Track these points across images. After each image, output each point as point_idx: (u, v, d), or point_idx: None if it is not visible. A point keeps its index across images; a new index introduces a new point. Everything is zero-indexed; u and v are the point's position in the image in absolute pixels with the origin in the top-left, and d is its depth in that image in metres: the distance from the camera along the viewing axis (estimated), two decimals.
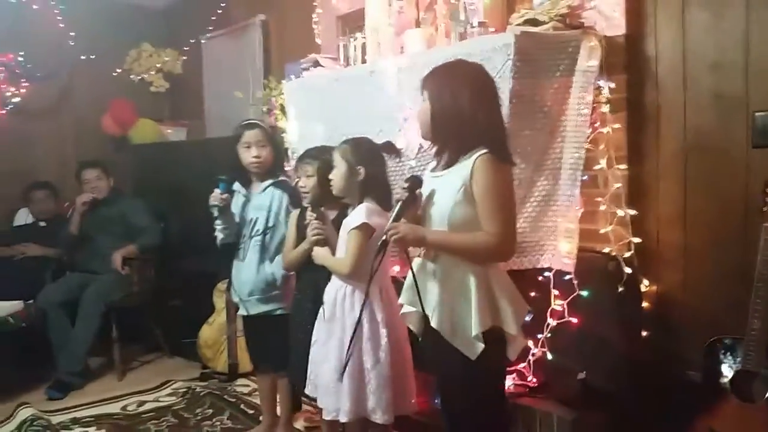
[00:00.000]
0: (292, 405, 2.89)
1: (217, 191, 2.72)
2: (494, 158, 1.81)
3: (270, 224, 2.75)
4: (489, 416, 1.92)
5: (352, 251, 2.28)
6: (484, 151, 1.81)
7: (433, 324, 1.87)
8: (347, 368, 2.26)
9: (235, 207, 2.83)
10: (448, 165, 1.90)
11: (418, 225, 1.96)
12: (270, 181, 2.79)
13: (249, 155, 2.75)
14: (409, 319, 2.09)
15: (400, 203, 1.95)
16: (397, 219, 1.93)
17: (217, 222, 2.76)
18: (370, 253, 2.26)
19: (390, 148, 2.22)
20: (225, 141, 3.15)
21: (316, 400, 2.44)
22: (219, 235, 2.79)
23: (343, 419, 2.29)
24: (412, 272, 1.96)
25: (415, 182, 2.00)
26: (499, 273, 1.91)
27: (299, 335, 2.54)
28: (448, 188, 1.86)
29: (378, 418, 2.29)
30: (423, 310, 1.95)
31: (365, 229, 2.27)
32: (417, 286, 1.92)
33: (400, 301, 2.01)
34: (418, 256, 1.96)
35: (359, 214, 2.29)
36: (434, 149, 2.00)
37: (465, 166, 1.82)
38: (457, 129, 1.86)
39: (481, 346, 1.81)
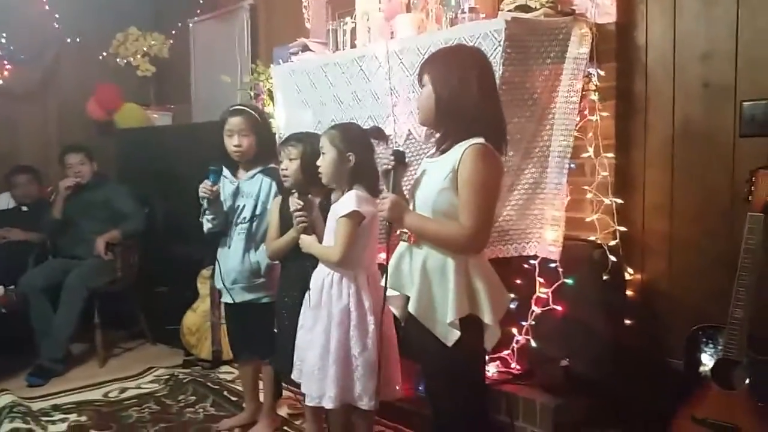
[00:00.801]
0: (275, 392, 2.87)
1: (207, 182, 2.66)
2: (486, 149, 1.78)
3: (257, 212, 2.71)
4: (467, 403, 1.91)
5: (342, 239, 2.25)
6: (479, 140, 1.79)
7: (411, 309, 1.85)
8: (334, 355, 2.25)
9: (223, 194, 2.78)
10: (444, 151, 1.87)
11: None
12: (258, 168, 2.74)
13: (231, 143, 2.70)
14: (393, 303, 2.06)
15: (392, 173, 1.92)
16: (394, 190, 1.91)
17: (207, 213, 2.70)
18: (360, 241, 2.28)
19: (378, 133, 2.19)
20: (211, 126, 3.12)
21: (300, 386, 2.42)
22: (206, 225, 2.73)
23: (328, 405, 2.27)
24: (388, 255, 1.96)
25: (399, 155, 1.99)
26: (480, 261, 1.88)
27: (285, 322, 2.52)
28: (438, 174, 1.84)
29: (364, 404, 2.28)
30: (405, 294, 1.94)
31: (355, 217, 2.24)
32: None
33: (387, 284, 1.97)
34: (403, 240, 1.94)
35: (349, 201, 2.26)
36: (435, 135, 1.95)
37: (456, 153, 1.80)
38: (461, 115, 1.82)
39: (456, 333, 1.80)
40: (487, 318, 1.83)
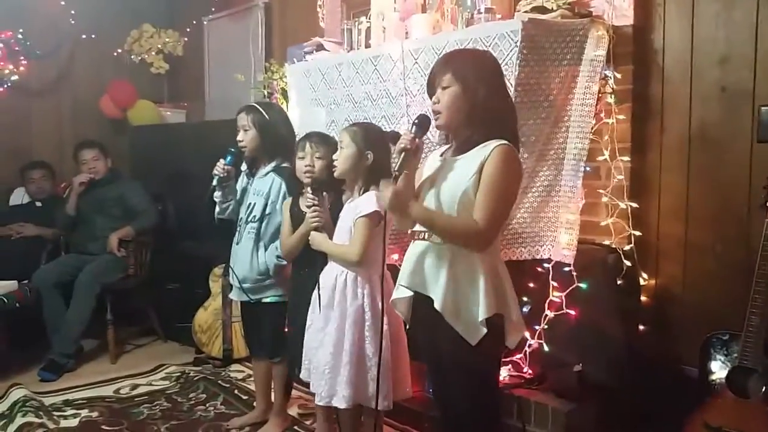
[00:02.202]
0: (286, 391, 2.87)
1: (222, 161, 2.72)
2: (513, 151, 1.80)
3: (267, 212, 2.71)
4: (483, 404, 1.91)
5: (361, 239, 2.26)
6: (504, 141, 1.80)
7: (438, 306, 1.83)
8: (348, 355, 2.25)
9: (239, 187, 2.84)
10: (465, 150, 1.86)
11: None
12: (272, 166, 2.75)
13: (237, 138, 2.75)
14: (398, 305, 2.05)
15: (403, 153, 1.86)
16: (399, 170, 1.87)
17: (216, 193, 2.76)
18: (375, 241, 2.27)
19: (395, 137, 2.15)
20: (224, 124, 3.13)
21: (308, 385, 2.42)
22: (216, 209, 2.79)
23: (341, 405, 2.27)
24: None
25: (426, 121, 1.92)
26: (501, 260, 1.89)
27: (297, 321, 2.52)
28: (464, 173, 1.82)
29: (378, 404, 2.27)
30: (422, 294, 1.91)
31: (375, 218, 2.25)
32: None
33: (403, 284, 1.96)
34: (419, 238, 1.92)
35: (370, 201, 2.26)
36: (456, 134, 1.92)
37: (482, 153, 1.80)
38: (492, 117, 1.83)
39: (482, 331, 1.79)
40: (514, 315, 1.86)
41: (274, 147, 2.74)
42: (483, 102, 1.81)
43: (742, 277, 2.20)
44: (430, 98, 1.93)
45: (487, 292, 1.79)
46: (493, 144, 1.79)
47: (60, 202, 4.21)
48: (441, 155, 1.99)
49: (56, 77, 5.10)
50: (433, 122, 1.93)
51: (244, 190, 2.82)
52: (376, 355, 2.26)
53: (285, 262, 2.65)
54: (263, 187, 2.73)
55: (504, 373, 2.61)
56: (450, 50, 2.04)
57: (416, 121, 1.93)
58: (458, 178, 1.83)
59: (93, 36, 5.06)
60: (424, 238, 1.89)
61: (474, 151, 1.83)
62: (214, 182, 2.73)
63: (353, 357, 2.26)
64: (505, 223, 1.87)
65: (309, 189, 2.46)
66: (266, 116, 2.74)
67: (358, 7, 3.57)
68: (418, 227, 1.93)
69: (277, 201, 2.70)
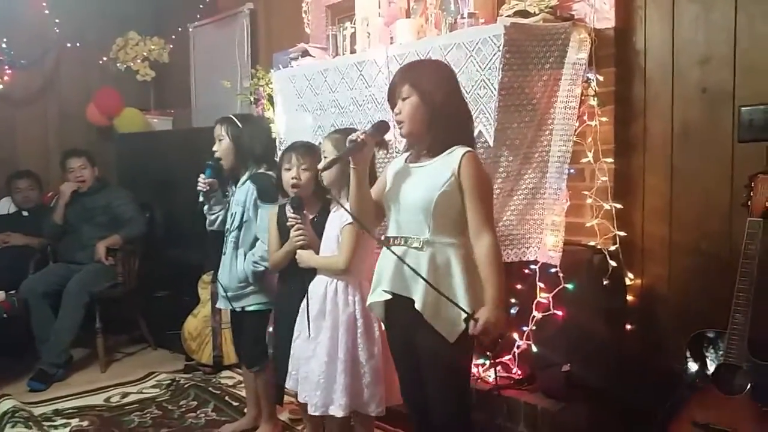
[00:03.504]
0: (276, 398, 2.86)
1: (202, 176, 2.79)
2: (477, 156, 1.91)
3: (244, 219, 2.74)
4: (461, 400, 1.97)
5: (348, 246, 2.27)
6: (468, 148, 1.88)
7: (418, 307, 1.88)
8: (342, 363, 2.25)
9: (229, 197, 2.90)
10: (430, 156, 1.94)
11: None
12: (247, 175, 2.79)
13: (213, 149, 2.83)
14: (375, 309, 2.08)
15: (351, 144, 1.93)
16: (336, 160, 2.00)
17: (208, 208, 2.85)
18: (363, 248, 2.29)
19: (382, 127, 2.11)
20: (211, 131, 3.11)
21: (296, 394, 2.42)
22: (207, 221, 2.88)
23: (339, 414, 2.26)
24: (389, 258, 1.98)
25: (383, 127, 2.03)
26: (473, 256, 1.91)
27: (284, 331, 2.52)
28: (434, 178, 1.89)
29: (372, 411, 2.29)
30: (400, 296, 1.95)
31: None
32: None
33: (385, 288, 1.98)
34: (396, 244, 1.96)
35: None
36: (418, 143, 1.99)
37: (451, 161, 1.87)
38: (451, 123, 1.91)
39: (461, 327, 1.84)
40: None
41: (247, 156, 2.79)
42: (440, 108, 1.90)
43: (726, 275, 2.22)
44: (392, 109, 2.00)
45: (467, 290, 1.85)
46: (459, 152, 1.88)
47: (47, 212, 4.19)
48: (405, 161, 2.04)
49: (41, 86, 5.09)
50: (395, 131, 2.04)
51: (229, 201, 2.86)
52: (369, 361, 2.28)
53: (262, 269, 2.67)
54: (241, 196, 2.76)
55: (493, 374, 2.62)
56: (407, 63, 2.15)
57: (375, 124, 2.04)
58: (431, 183, 1.89)
59: (78, 44, 5.06)
60: (400, 244, 1.94)
61: (441, 158, 1.91)
62: (201, 198, 2.81)
63: (347, 365, 2.26)
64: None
65: (290, 207, 2.45)
66: (239, 126, 2.79)
67: (342, 13, 3.58)
68: (392, 233, 1.98)
69: (251, 208, 2.72)
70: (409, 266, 1.88)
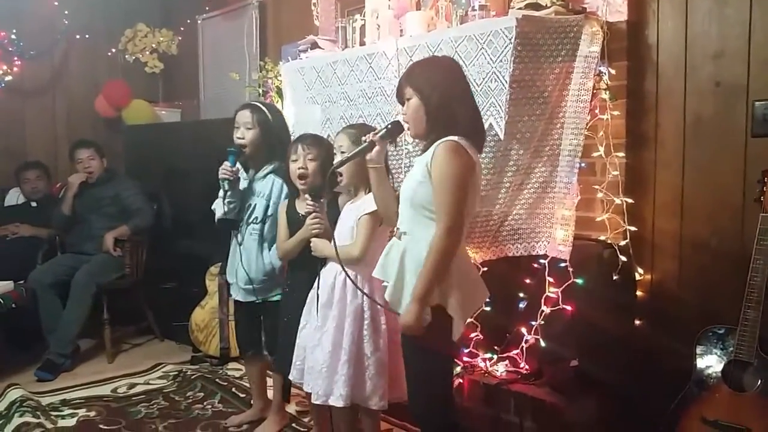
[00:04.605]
0: (285, 390, 2.86)
1: (226, 163, 2.65)
2: (455, 145, 1.87)
3: (269, 213, 2.70)
4: (433, 392, 1.98)
5: (364, 236, 2.28)
6: (451, 138, 1.88)
7: (386, 295, 1.99)
8: (346, 353, 2.25)
9: (241, 187, 2.78)
10: (424, 150, 1.99)
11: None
12: (270, 167, 2.72)
13: (235, 136, 2.70)
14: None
15: (363, 146, 2.08)
16: (346, 160, 2.14)
17: (228, 196, 2.68)
18: (376, 240, 2.30)
19: (397, 128, 2.13)
20: (219, 123, 3.12)
21: (301, 385, 2.43)
22: (223, 209, 2.70)
23: (338, 404, 2.27)
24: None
25: (397, 128, 2.11)
26: (458, 257, 1.91)
27: (291, 321, 2.52)
28: (415, 170, 1.97)
29: (374, 404, 2.29)
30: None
31: (378, 216, 2.27)
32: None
33: (374, 275, 2.12)
34: (396, 236, 2.03)
35: (372, 200, 2.27)
36: (422, 140, 2.05)
37: (428, 153, 1.92)
38: (447, 118, 1.94)
39: (428, 319, 1.86)
40: (452, 310, 1.89)
41: (274, 147, 2.71)
42: (437, 107, 1.94)
43: (737, 272, 2.21)
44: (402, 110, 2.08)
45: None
46: (437, 143, 1.89)
47: (55, 202, 4.20)
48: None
49: (50, 77, 5.09)
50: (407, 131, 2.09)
51: (244, 191, 2.80)
52: (374, 354, 2.28)
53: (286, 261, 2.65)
54: (264, 188, 2.71)
55: (501, 368, 2.62)
56: (410, 64, 2.17)
57: (388, 125, 2.12)
58: (412, 176, 1.98)
59: (87, 36, 5.06)
60: (394, 235, 2.03)
61: (426, 151, 1.95)
62: (226, 186, 2.66)
63: (351, 356, 2.26)
64: (466, 214, 1.90)
65: (308, 196, 2.44)
66: (269, 115, 2.73)
67: (352, 5, 3.57)
68: (397, 224, 2.04)
69: (278, 202, 2.68)
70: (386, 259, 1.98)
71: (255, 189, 2.74)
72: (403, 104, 2.04)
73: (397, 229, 2.02)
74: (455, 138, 1.88)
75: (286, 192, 2.67)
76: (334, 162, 2.28)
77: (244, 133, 2.69)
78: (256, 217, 2.71)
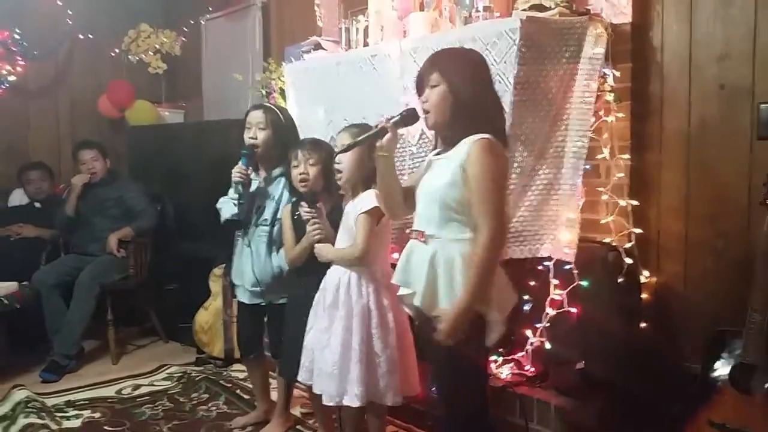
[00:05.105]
0: (288, 392, 2.86)
1: (240, 165, 2.63)
2: (492, 143, 1.80)
3: (278, 216, 2.68)
4: (469, 398, 1.90)
5: (363, 235, 2.27)
6: (484, 135, 1.80)
7: (416, 302, 1.87)
8: (357, 354, 2.26)
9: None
10: (450, 147, 1.89)
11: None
12: (281, 170, 2.71)
13: (247, 136, 2.69)
14: (405, 302, 2.04)
15: (373, 131, 1.97)
16: (354, 144, 2.05)
17: (241, 198, 2.64)
18: (378, 238, 2.30)
19: (411, 116, 2.02)
20: (223, 124, 3.12)
21: (310, 386, 2.42)
22: (232, 210, 2.67)
23: (354, 404, 2.27)
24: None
25: (412, 115, 1.98)
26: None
27: (298, 324, 2.51)
28: (445, 169, 1.85)
29: (389, 400, 2.30)
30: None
31: (375, 214, 2.26)
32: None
33: (394, 281, 2.00)
34: (412, 238, 1.95)
35: (369, 198, 2.27)
36: (443, 133, 1.95)
37: (461, 150, 1.82)
38: (475, 113, 1.84)
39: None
40: (491, 315, 1.84)
41: (285, 148, 2.67)
42: (468, 99, 1.83)
43: (743, 274, 2.20)
44: (419, 97, 1.95)
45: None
46: (471, 139, 1.80)
47: (59, 203, 4.20)
48: (435, 154, 2.00)
49: (54, 78, 5.10)
50: (422, 120, 1.96)
51: (254, 192, 2.76)
52: (385, 351, 2.29)
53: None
54: (274, 191, 2.70)
55: (506, 370, 2.61)
56: (437, 50, 2.05)
57: (403, 112, 1.98)
58: (441, 174, 1.85)
59: (90, 36, 5.07)
60: (413, 237, 1.93)
61: (456, 147, 1.84)
62: (240, 189, 2.63)
63: (363, 355, 2.27)
64: (507, 216, 1.87)
65: (304, 203, 2.44)
66: (282, 118, 2.72)
67: (355, 6, 3.56)
68: (413, 226, 1.95)
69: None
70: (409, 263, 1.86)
71: (266, 191, 2.72)
72: (422, 92, 1.92)
73: (419, 231, 1.91)
74: (488, 136, 1.79)
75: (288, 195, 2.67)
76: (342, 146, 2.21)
77: (257, 134, 2.67)
78: (266, 219, 2.70)
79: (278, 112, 2.74)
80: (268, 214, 2.69)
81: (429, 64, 1.92)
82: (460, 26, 2.71)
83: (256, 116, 2.69)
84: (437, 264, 1.84)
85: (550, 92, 2.50)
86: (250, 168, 2.69)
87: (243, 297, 2.80)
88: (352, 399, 2.27)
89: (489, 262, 1.76)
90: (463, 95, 1.84)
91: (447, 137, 1.92)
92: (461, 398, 1.90)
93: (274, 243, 2.69)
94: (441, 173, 1.86)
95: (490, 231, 1.75)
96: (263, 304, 2.74)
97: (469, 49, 2.15)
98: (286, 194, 2.68)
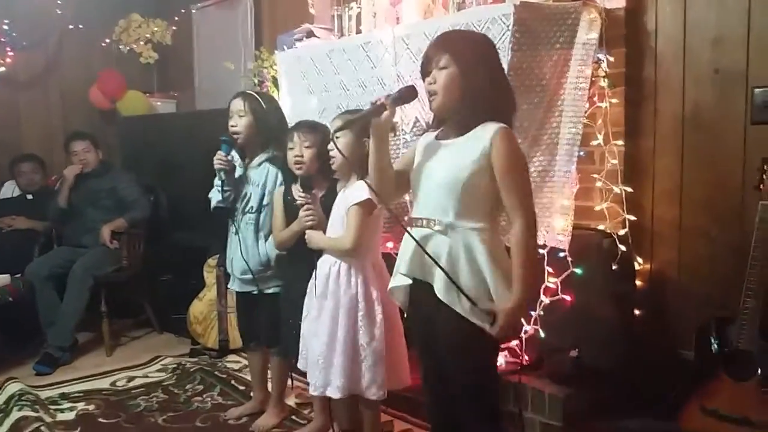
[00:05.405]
0: (283, 381, 2.86)
1: (220, 153, 2.66)
2: (512, 132, 1.78)
3: (264, 202, 2.68)
4: (484, 387, 1.86)
5: (354, 226, 2.25)
6: (502, 124, 1.76)
7: (439, 295, 1.78)
8: (341, 344, 2.24)
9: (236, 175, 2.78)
10: (461, 133, 1.82)
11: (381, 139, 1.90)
12: (265, 156, 2.71)
13: (229, 124, 2.70)
14: (396, 294, 2.00)
15: (372, 107, 1.85)
16: (352, 123, 1.95)
17: (225, 185, 2.67)
18: (369, 230, 2.28)
19: (410, 92, 1.92)
20: (215, 113, 3.09)
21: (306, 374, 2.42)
22: (218, 197, 2.69)
23: (334, 395, 2.27)
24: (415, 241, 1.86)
25: (410, 93, 1.88)
26: (502, 245, 1.84)
27: (293, 311, 2.51)
28: (464, 156, 1.77)
29: (373, 394, 2.28)
30: (420, 280, 1.87)
31: (367, 206, 2.24)
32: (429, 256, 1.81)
33: (402, 271, 1.91)
34: (418, 226, 1.86)
35: (362, 189, 2.23)
36: (450, 117, 1.86)
37: (482, 137, 1.76)
38: (488, 97, 1.79)
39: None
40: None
41: (268, 135, 2.70)
42: (482, 85, 1.77)
43: (737, 260, 2.20)
44: (424, 79, 1.87)
45: (496, 281, 1.74)
46: (492, 127, 1.75)
47: (51, 195, 4.17)
48: (436, 137, 1.91)
49: (44, 68, 5.05)
50: (417, 104, 1.90)
51: (239, 179, 2.78)
52: (371, 344, 2.27)
53: (285, 252, 2.63)
54: (258, 177, 2.70)
55: (501, 359, 2.61)
56: (447, 30, 1.98)
57: (402, 89, 1.90)
58: (459, 161, 1.78)
59: (81, 26, 5.01)
60: (422, 225, 1.84)
61: (472, 134, 1.78)
62: (222, 176, 2.65)
63: (347, 346, 2.26)
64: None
65: (299, 187, 2.42)
66: (262, 103, 2.72)
67: None
68: (416, 213, 1.88)
69: (274, 191, 2.67)
70: (426, 252, 1.78)
71: (250, 178, 2.72)
72: (428, 73, 1.83)
73: (430, 219, 1.82)
74: (503, 124, 1.76)
75: (281, 180, 2.66)
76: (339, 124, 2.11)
77: (237, 121, 2.68)
78: (252, 207, 2.70)
79: (258, 98, 2.73)
80: (254, 202, 2.69)
81: (439, 44, 1.84)
82: (454, 12, 2.69)
83: (236, 104, 2.70)
84: (458, 253, 1.78)
85: (544, 78, 2.48)
86: (234, 155, 2.70)
87: (234, 285, 2.81)
88: (334, 390, 2.26)
89: (534, 250, 1.78)
90: (476, 80, 1.77)
91: (455, 122, 1.85)
92: (482, 386, 1.85)
93: (261, 230, 2.69)
94: (458, 161, 1.78)
95: (528, 221, 1.74)
96: (254, 292, 2.73)
97: (480, 33, 2.06)
98: (270, 181, 2.67)
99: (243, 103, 2.69)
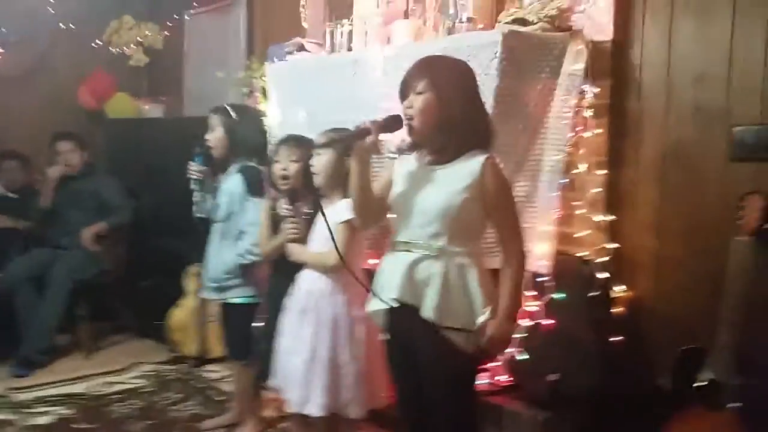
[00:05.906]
0: (255, 393, 2.86)
1: (192, 164, 2.80)
2: (497, 164, 1.84)
3: (230, 210, 2.74)
4: (467, 411, 1.91)
5: (339, 243, 2.23)
6: (487, 153, 1.83)
7: (430, 316, 1.81)
8: (323, 362, 2.25)
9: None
10: (444, 160, 1.85)
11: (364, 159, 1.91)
12: (237, 166, 2.79)
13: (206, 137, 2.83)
14: (375, 317, 2.02)
15: (355, 130, 1.86)
16: (337, 143, 2.05)
17: (198, 195, 2.84)
18: (354, 248, 2.29)
19: (395, 122, 1.92)
20: (202, 121, 3.08)
21: (280, 391, 2.42)
22: (196, 209, 2.86)
23: (315, 413, 2.26)
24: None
25: (395, 123, 1.88)
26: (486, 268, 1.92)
27: (273, 325, 2.51)
28: (455, 183, 1.81)
29: (352, 413, 2.29)
30: (406, 305, 1.89)
31: (352, 225, 2.24)
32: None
33: (392, 296, 1.90)
34: (401, 250, 1.89)
35: (346, 209, 2.23)
36: (428, 141, 1.88)
37: (470, 168, 1.80)
38: (467, 125, 1.82)
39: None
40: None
41: (239, 148, 2.80)
42: (459, 112, 1.80)
43: (714, 292, 2.23)
44: (401, 102, 1.89)
45: (484, 304, 1.83)
46: (480, 157, 1.80)
47: (35, 194, 4.14)
48: (417, 162, 1.93)
49: (32, 66, 4.99)
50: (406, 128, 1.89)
51: (214, 190, 2.86)
52: (352, 363, 2.27)
53: (248, 262, 2.66)
54: (228, 186, 2.78)
55: (481, 381, 2.63)
56: (426, 55, 1.99)
57: (387, 117, 1.89)
58: (451, 188, 1.81)
59: (72, 25, 4.97)
60: (410, 250, 1.87)
61: (460, 162, 1.82)
62: (197, 187, 2.81)
63: (329, 364, 2.26)
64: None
65: (284, 200, 2.44)
66: (234, 117, 2.80)
67: (341, 9, 3.55)
68: (403, 237, 1.90)
69: (238, 200, 2.71)
70: (413, 277, 1.85)
71: (222, 188, 2.80)
72: (405, 96, 1.85)
73: (418, 244, 1.85)
74: (488, 153, 1.83)
75: (244, 189, 2.70)
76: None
77: (210, 135, 2.81)
78: (220, 215, 2.77)
79: (230, 111, 2.82)
80: (222, 210, 2.75)
81: (417, 70, 1.86)
82: (444, 36, 2.72)
83: (210, 118, 2.82)
84: (450, 277, 1.83)
85: (529, 106, 2.52)
86: (208, 167, 2.83)
87: (203, 292, 2.89)
88: (315, 408, 2.26)
89: (522, 273, 1.89)
90: (453, 107, 1.80)
91: (433, 148, 1.87)
92: (462, 407, 1.90)
93: (226, 238, 2.73)
94: (450, 188, 1.82)
95: (519, 244, 1.87)
96: (218, 300, 2.79)
97: (459, 59, 2.06)
98: (236, 189, 2.72)
99: (216, 117, 2.80)
